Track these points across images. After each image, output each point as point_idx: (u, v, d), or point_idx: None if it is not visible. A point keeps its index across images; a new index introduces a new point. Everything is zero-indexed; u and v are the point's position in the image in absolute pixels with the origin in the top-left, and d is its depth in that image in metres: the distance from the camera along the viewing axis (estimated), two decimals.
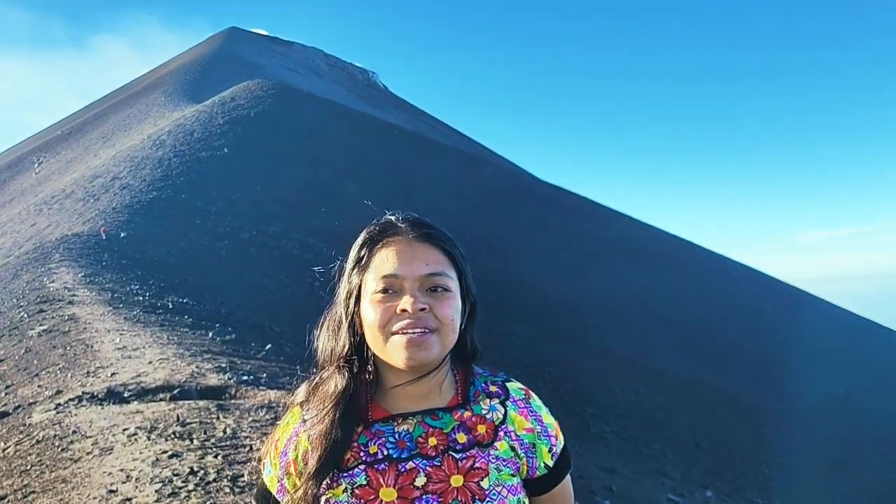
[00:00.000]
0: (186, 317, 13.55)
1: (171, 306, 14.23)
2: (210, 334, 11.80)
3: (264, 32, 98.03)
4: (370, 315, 1.38)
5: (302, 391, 1.52)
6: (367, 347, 1.43)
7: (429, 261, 1.40)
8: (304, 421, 1.44)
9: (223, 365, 8.84)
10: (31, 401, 7.51)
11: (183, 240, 23.94)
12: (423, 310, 1.35)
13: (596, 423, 22.28)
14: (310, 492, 1.36)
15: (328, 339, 1.49)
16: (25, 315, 12.53)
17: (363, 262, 1.44)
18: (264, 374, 8.82)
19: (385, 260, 1.40)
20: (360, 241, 1.48)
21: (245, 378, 8.20)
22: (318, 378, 1.49)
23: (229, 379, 8.02)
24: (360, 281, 1.43)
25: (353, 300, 1.44)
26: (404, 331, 1.34)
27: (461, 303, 1.42)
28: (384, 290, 1.38)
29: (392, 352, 1.36)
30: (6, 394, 8.19)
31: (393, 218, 1.49)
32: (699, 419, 26.99)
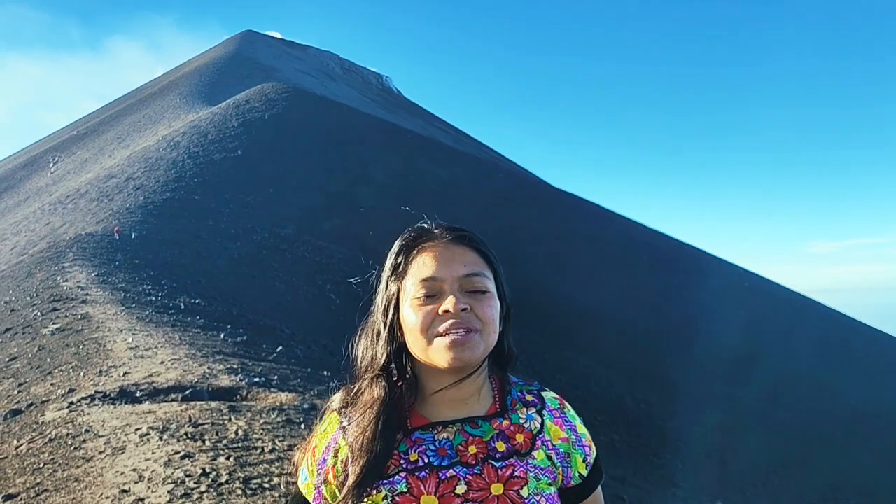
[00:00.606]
0: (198, 317, 13.59)
1: (183, 307, 14.28)
2: (222, 335, 11.83)
3: (279, 35, 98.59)
4: (411, 319, 1.38)
5: (338, 398, 1.50)
6: (406, 355, 1.44)
7: (467, 262, 1.41)
8: (343, 429, 1.43)
9: (235, 366, 8.85)
10: (43, 399, 7.54)
11: (196, 241, 24.05)
12: (465, 310, 1.35)
13: (606, 432, 22.19)
14: (351, 502, 1.35)
15: (367, 348, 1.47)
16: (39, 313, 12.60)
17: (400, 268, 1.44)
18: (275, 377, 8.82)
19: (423, 264, 1.41)
20: (395, 248, 1.48)
21: (256, 380, 8.21)
22: (356, 387, 1.48)
23: (241, 380, 8.03)
24: (398, 288, 1.43)
25: (392, 307, 1.44)
26: (448, 332, 1.34)
27: (499, 304, 1.43)
28: (425, 294, 1.38)
29: (435, 353, 1.36)
30: (19, 391, 8.23)
31: (426, 224, 1.50)
32: (709, 429, 26.82)
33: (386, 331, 1.44)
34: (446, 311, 1.35)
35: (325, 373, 10.77)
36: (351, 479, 1.36)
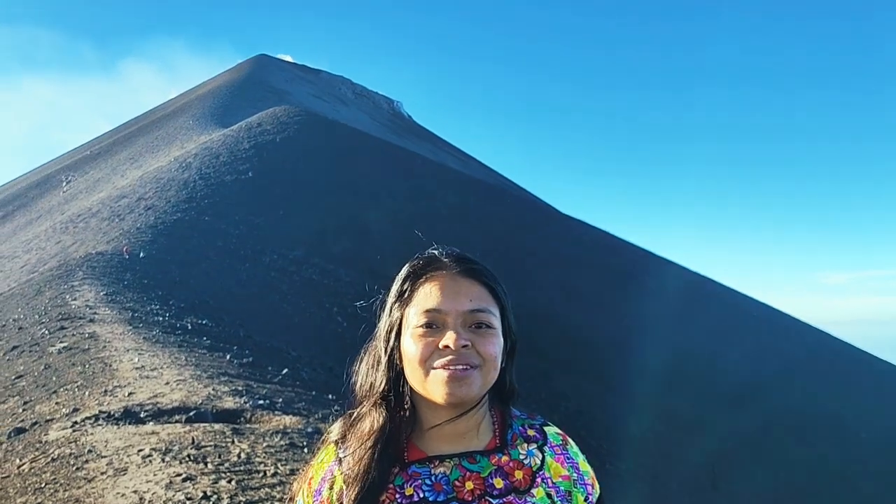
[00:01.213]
0: (205, 338, 13.59)
1: (190, 327, 14.29)
2: (227, 357, 11.81)
3: (290, 59, 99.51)
4: (411, 349, 1.36)
5: (336, 428, 1.48)
6: (404, 384, 1.41)
7: (472, 297, 1.38)
8: (340, 460, 1.41)
9: (239, 388, 8.83)
10: (48, 418, 7.53)
11: (204, 261, 24.12)
12: (465, 346, 1.33)
13: (611, 460, 21.96)
14: None
15: (367, 374, 1.46)
16: (46, 331, 12.63)
17: (405, 295, 1.42)
18: (280, 399, 8.79)
19: (428, 294, 1.39)
20: (402, 274, 1.46)
21: (261, 402, 8.18)
22: (355, 413, 1.46)
23: (245, 402, 8.01)
24: (402, 315, 1.41)
25: (393, 334, 1.42)
26: (446, 367, 1.32)
27: (503, 340, 1.40)
28: (427, 325, 1.36)
29: (432, 387, 1.33)
30: (24, 410, 8.22)
31: (436, 252, 1.47)
32: (717, 459, 26.51)
33: (386, 357, 1.42)
34: (446, 346, 1.33)
35: (330, 396, 10.73)
36: None
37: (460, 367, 1.32)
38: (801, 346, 48.67)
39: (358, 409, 1.46)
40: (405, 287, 1.43)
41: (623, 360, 32.60)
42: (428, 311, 1.36)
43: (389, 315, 1.43)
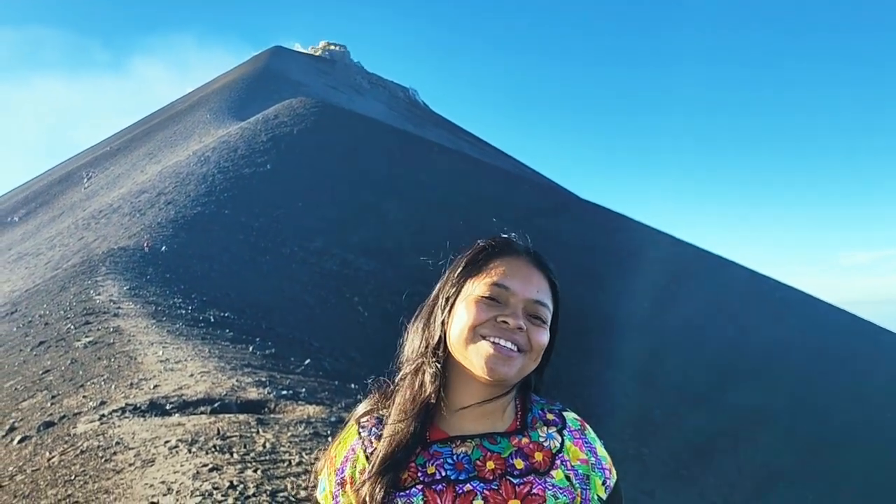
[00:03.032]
0: (228, 330, 13.71)
1: (212, 320, 14.42)
2: (250, 348, 11.91)
3: (300, 47, 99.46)
4: (464, 313, 1.39)
5: (363, 406, 1.51)
6: (446, 350, 1.42)
7: (540, 288, 1.43)
8: (362, 439, 1.43)
9: (263, 379, 8.90)
10: (76, 411, 7.63)
11: (225, 254, 24.30)
12: (520, 328, 1.36)
13: (634, 445, 21.93)
14: (375, 491, 1.34)
15: (417, 333, 1.48)
16: (72, 326, 12.80)
17: (477, 265, 1.44)
18: (303, 389, 8.86)
19: (501, 271, 1.42)
20: (478, 247, 1.48)
21: (284, 393, 8.24)
22: (401, 374, 1.47)
23: (269, 393, 8.07)
24: (464, 284, 1.44)
25: (452, 300, 1.44)
26: (496, 340, 1.35)
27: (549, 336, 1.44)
28: (490, 298, 1.39)
29: (475, 356, 1.36)
30: (52, 404, 8.35)
31: (510, 238, 1.51)
32: (743, 443, 26.39)
33: (442, 318, 1.44)
34: (504, 322, 1.36)
35: (353, 385, 10.79)
36: (373, 466, 1.36)
37: (509, 344, 1.35)
38: (827, 329, 48.21)
39: (397, 379, 1.48)
40: (479, 258, 1.45)
41: (645, 345, 32.47)
42: (496, 285, 1.39)
43: (454, 280, 1.45)
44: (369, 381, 1.60)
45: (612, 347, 30.42)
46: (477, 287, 1.41)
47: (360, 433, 1.45)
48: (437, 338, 1.43)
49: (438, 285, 1.49)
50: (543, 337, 1.40)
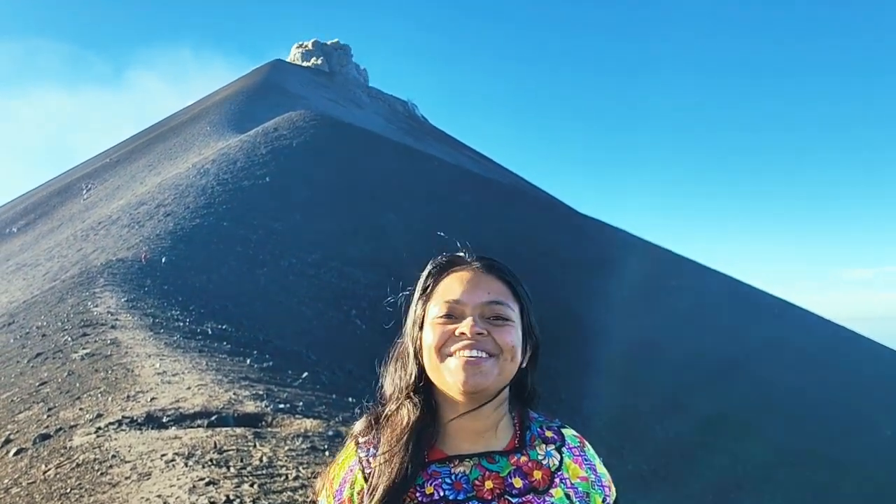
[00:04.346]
0: (225, 343, 13.68)
1: (210, 332, 14.38)
2: (248, 361, 11.88)
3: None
4: (428, 337, 1.39)
5: (359, 425, 1.49)
6: (426, 379, 1.42)
7: (491, 290, 1.41)
8: (360, 459, 1.42)
9: (260, 392, 8.87)
10: (72, 423, 7.60)
11: (224, 266, 24.28)
12: (481, 334, 1.35)
13: (634, 461, 21.85)
14: None
15: (395, 370, 1.47)
16: (69, 338, 12.76)
17: (428, 290, 1.45)
18: (300, 403, 8.83)
19: (449, 287, 1.42)
20: (426, 270, 1.49)
21: (282, 406, 8.21)
22: (385, 410, 1.46)
23: (266, 406, 8.04)
24: (425, 310, 1.44)
25: (417, 328, 1.44)
26: (461, 354, 1.34)
27: (523, 338, 1.42)
28: (446, 315, 1.38)
29: (448, 375, 1.35)
30: (49, 416, 8.31)
31: (460, 253, 1.51)
32: (741, 460, 26.31)
33: (413, 350, 1.44)
34: (462, 333, 1.35)
35: (350, 399, 10.76)
36: (376, 498, 1.34)
37: (475, 353, 1.33)
38: (824, 344, 48.19)
39: (385, 408, 1.46)
40: (428, 283, 1.46)
41: (643, 361, 32.42)
42: (448, 301, 1.39)
43: (414, 310, 1.46)
44: (364, 402, 1.59)
45: (609, 362, 30.37)
46: (433, 308, 1.41)
47: (358, 454, 1.43)
48: (413, 373, 1.43)
49: (404, 320, 1.49)
50: (510, 335, 1.37)
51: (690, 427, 27.89)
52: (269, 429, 7.27)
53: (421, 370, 1.42)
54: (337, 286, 27.78)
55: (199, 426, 7.05)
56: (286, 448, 6.34)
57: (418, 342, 1.43)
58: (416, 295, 1.47)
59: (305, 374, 12.35)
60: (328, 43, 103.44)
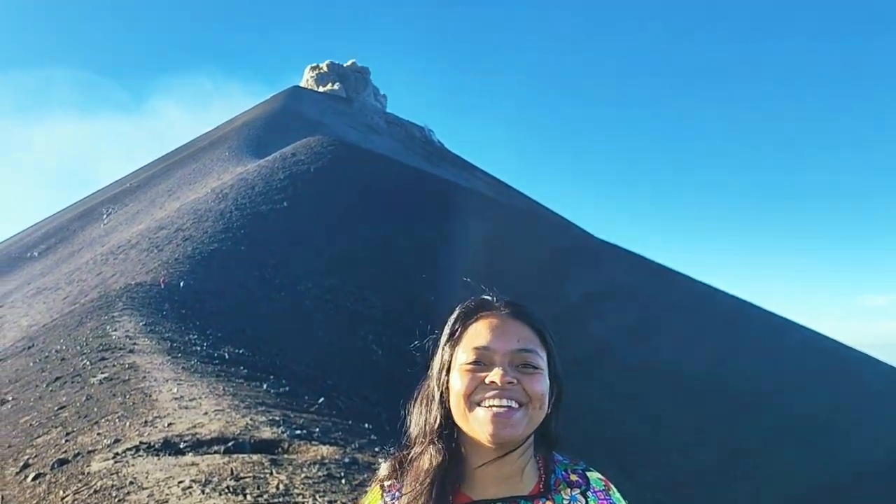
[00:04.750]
0: (242, 367, 13.70)
1: (227, 357, 14.42)
2: (265, 386, 11.88)
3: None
4: (457, 383, 1.38)
5: (384, 469, 1.49)
6: (452, 423, 1.42)
7: (521, 337, 1.41)
8: (385, 501, 1.42)
9: (277, 418, 8.86)
10: (90, 449, 7.61)
11: (241, 291, 24.39)
12: (511, 383, 1.35)
13: (652, 491, 21.55)
14: None
15: (420, 413, 1.47)
16: (88, 362, 12.83)
17: (457, 335, 1.45)
18: (317, 429, 8.80)
19: (478, 333, 1.41)
20: (454, 315, 1.48)
21: (298, 432, 8.19)
22: (410, 453, 1.46)
23: (283, 432, 8.02)
24: (452, 354, 1.44)
25: (444, 373, 1.44)
26: (490, 403, 1.34)
27: (549, 383, 1.42)
28: (475, 362, 1.38)
29: (476, 424, 1.35)
30: (67, 441, 8.33)
31: (488, 297, 1.50)
32: (764, 486, 25.89)
33: (439, 395, 1.44)
34: (492, 382, 1.34)
35: (367, 425, 10.71)
36: None
37: (504, 404, 1.33)
38: (844, 371, 47.53)
39: (411, 450, 1.46)
40: (456, 327, 1.46)
41: (666, 390, 32.12)
42: (476, 348, 1.39)
43: (442, 355, 1.46)
44: (388, 448, 1.60)
45: (633, 390, 30.08)
46: (461, 355, 1.40)
47: (384, 498, 1.43)
48: (437, 417, 1.43)
49: (430, 362, 1.49)
50: (539, 384, 1.37)
51: (712, 458, 27.52)
52: (286, 455, 7.25)
53: (446, 414, 1.42)
54: (353, 310, 27.81)
55: (215, 452, 7.04)
56: (302, 475, 6.32)
57: (445, 387, 1.42)
58: (444, 339, 1.47)
59: (322, 399, 12.33)
60: (345, 65, 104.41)
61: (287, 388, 12.31)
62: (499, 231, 46.38)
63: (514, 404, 1.34)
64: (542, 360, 1.40)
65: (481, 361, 1.38)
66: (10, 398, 12.37)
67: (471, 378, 1.36)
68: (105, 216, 52.04)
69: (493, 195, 68.24)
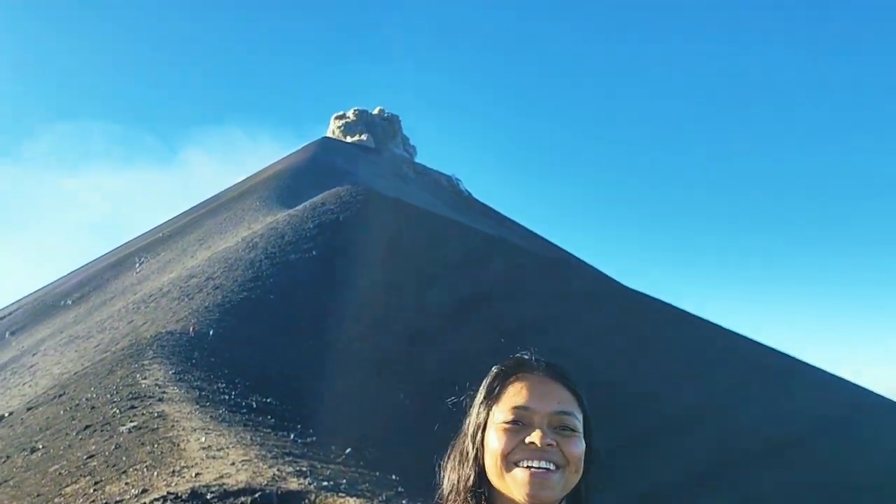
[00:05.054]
0: (269, 417, 13.68)
1: (255, 406, 14.42)
2: (292, 435, 11.84)
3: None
4: (494, 442, 1.38)
5: None
6: (486, 482, 1.41)
7: (560, 399, 1.41)
8: None
9: (304, 468, 8.79)
10: (118, 499, 7.61)
11: (269, 340, 24.48)
12: (550, 445, 1.35)
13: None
14: None
15: (454, 470, 1.46)
16: (118, 411, 12.90)
17: (495, 393, 1.45)
18: (343, 480, 8.72)
19: (517, 393, 1.42)
20: (493, 373, 1.48)
21: (325, 484, 8.11)
22: None
23: (309, 484, 7.95)
24: (489, 412, 1.43)
25: (480, 431, 1.44)
26: (529, 464, 1.34)
27: (584, 444, 1.41)
28: (513, 422, 1.38)
29: (513, 485, 1.34)
30: (95, 490, 8.33)
31: (526, 356, 1.50)
32: None
33: (473, 453, 1.43)
34: (532, 443, 1.35)
35: (394, 477, 10.59)
36: None
37: (543, 465, 1.33)
38: (877, 419, 46.14)
39: None
40: (495, 385, 1.45)
41: (686, 435, 31.42)
42: (516, 408, 1.39)
43: (478, 413, 1.45)
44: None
45: (661, 439, 29.48)
46: (499, 413, 1.40)
47: None
48: (471, 476, 1.41)
49: (466, 419, 1.48)
50: (577, 447, 1.38)
51: None
52: None
53: (480, 473, 1.41)
54: (381, 360, 27.73)
55: None
56: None
57: (480, 445, 1.42)
58: (481, 397, 1.46)
59: (349, 449, 12.24)
60: (373, 112, 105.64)
61: (314, 438, 12.25)
62: (524, 276, 46.23)
63: (551, 466, 1.34)
64: (579, 423, 1.41)
65: (520, 421, 1.38)
66: (41, 446, 12.45)
67: (509, 438, 1.36)
68: (138, 265, 52.83)
69: (523, 244, 68.25)
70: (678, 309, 57.70)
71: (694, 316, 57.12)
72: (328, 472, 9.05)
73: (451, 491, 1.45)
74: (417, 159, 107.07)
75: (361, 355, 27.34)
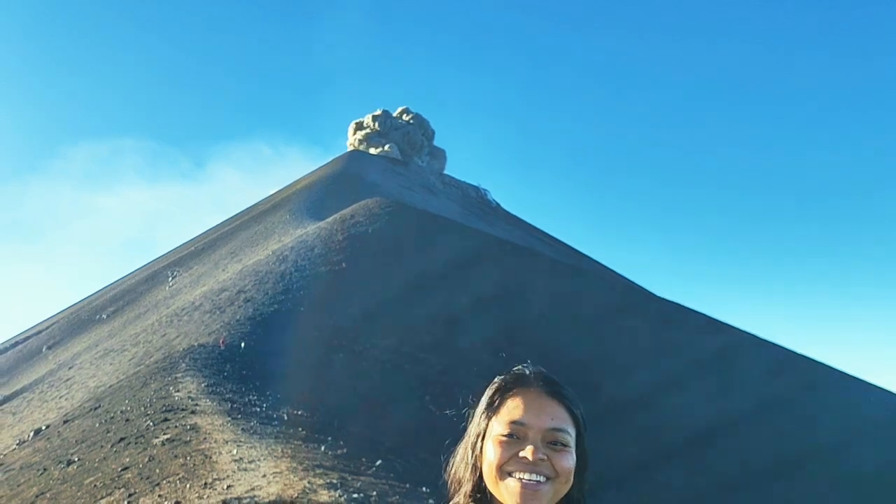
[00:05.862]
0: (300, 429, 13.72)
1: (286, 418, 14.49)
2: (322, 448, 11.87)
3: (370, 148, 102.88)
4: (491, 453, 1.49)
5: None
6: (484, 488, 1.53)
7: (554, 416, 1.51)
8: None
9: (334, 481, 8.81)
10: None
11: (300, 352, 24.61)
12: (542, 460, 1.45)
13: None
14: None
15: (457, 470, 1.59)
16: (151, 423, 13.05)
17: (494, 406, 1.55)
18: (374, 493, 8.72)
19: (514, 407, 1.52)
20: (493, 387, 1.59)
21: (356, 496, 8.13)
22: None
23: (340, 496, 7.97)
24: (488, 424, 1.54)
25: (480, 440, 1.55)
26: (521, 476, 1.44)
27: (575, 458, 1.52)
28: (509, 435, 1.49)
29: (506, 493, 1.45)
30: (129, 502, 8.43)
31: (525, 370, 1.60)
32: None
33: (473, 460, 1.54)
34: (524, 457, 1.45)
35: (424, 489, 10.56)
36: None
37: (534, 478, 1.44)
38: None
39: None
40: (495, 398, 1.56)
41: (727, 450, 30.95)
42: (512, 422, 1.50)
43: (479, 423, 1.57)
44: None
45: (692, 452, 29.07)
46: (497, 426, 1.51)
47: None
48: (471, 482, 1.53)
49: (470, 428, 1.59)
50: (567, 461, 1.47)
51: None
52: None
53: (479, 478, 1.52)
54: (410, 371, 27.75)
55: None
56: None
57: (479, 453, 1.53)
58: (482, 408, 1.57)
59: (379, 461, 12.23)
60: (394, 115, 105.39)
61: (345, 451, 12.27)
62: (555, 287, 46.01)
63: (542, 478, 1.44)
64: (571, 439, 1.51)
65: (515, 435, 1.48)
66: (77, 458, 12.63)
67: (504, 450, 1.47)
68: (170, 279, 53.54)
69: (553, 254, 68.01)
70: (706, 316, 57.00)
71: (722, 322, 56.38)
72: (359, 485, 9.06)
73: (453, 493, 1.57)
74: (445, 170, 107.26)
75: (391, 367, 27.38)
